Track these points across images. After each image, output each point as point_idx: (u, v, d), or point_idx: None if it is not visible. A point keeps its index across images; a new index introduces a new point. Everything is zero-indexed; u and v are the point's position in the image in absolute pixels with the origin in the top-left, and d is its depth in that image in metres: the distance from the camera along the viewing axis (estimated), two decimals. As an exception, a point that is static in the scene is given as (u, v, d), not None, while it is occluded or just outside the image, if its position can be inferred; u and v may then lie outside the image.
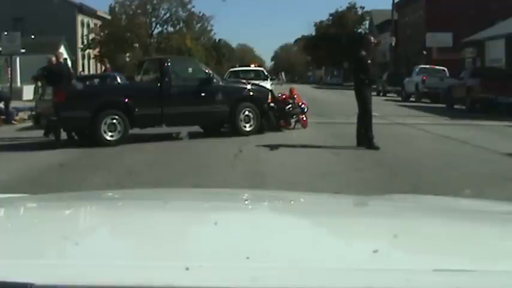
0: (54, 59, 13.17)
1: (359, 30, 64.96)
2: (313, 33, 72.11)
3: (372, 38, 10.86)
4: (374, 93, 15.66)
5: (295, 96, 13.84)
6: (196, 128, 12.19)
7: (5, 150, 10.48)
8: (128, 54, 42.98)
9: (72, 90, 11.18)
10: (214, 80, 12.15)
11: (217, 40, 66.45)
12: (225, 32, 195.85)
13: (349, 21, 65.66)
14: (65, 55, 15.36)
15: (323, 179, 7.04)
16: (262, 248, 1.18)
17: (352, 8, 67.21)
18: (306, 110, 13.58)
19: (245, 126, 12.05)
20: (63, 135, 11.37)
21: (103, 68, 27.31)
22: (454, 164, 8.33)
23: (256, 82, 14.86)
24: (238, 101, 12.09)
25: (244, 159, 8.94)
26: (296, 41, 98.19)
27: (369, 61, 10.03)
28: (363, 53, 10.04)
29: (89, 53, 45.14)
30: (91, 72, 40.72)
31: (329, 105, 21.63)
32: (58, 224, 1.46)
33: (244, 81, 14.53)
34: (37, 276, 0.93)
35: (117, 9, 45.50)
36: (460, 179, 7.00)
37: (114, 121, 10.76)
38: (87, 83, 14.79)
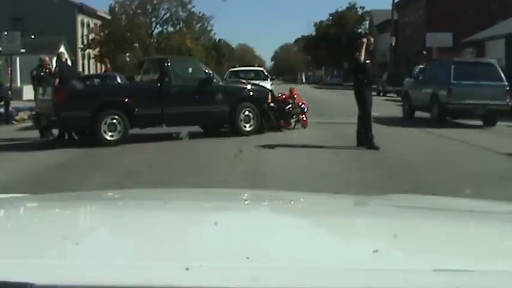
0: (47, 58, 13.16)
1: (359, 30, 64.92)
2: (313, 33, 72.19)
3: (366, 39, 10.60)
4: (374, 93, 15.61)
5: (295, 96, 13.83)
6: (196, 128, 12.19)
7: (5, 150, 10.47)
8: (127, 54, 42.96)
9: (72, 90, 11.16)
10: (214, 80, 12.13)
11: (217, 40, 66.47)
12: (225, 32, 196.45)
13: (349, 21, 65.66)
14: (66, 55, 15.36)
15: (323, 179, 7.04)
16: (262, 248, 1.18)
17: (352, 8, 67.25)
18: (306, 110, 13.57)
19: (245, 126, 12.04)
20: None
21: (103, 68, 27.29)
22: (453, 164, 8.33)
23: (256, 82, 14.86)
24: (238, 101, 12.08)
25: (244, 159, 8.93)
26: (296, 41, 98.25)
27: (367, 61, 10.00)
28: (357, 53, 10.03)
29: (89, 53, 45.12)
30: (91, 72, 40.66)
31: (329, 105, 21.63)
32: (58, 224, 1.46)
33: (244, 81, 14.54)
34: (37, 276, 0.93)
35: (117, 9, 45.48)
36: (460, 179, 7.01)
37: (114, 121, 10.75)
38: (87, 82, 14.78)
